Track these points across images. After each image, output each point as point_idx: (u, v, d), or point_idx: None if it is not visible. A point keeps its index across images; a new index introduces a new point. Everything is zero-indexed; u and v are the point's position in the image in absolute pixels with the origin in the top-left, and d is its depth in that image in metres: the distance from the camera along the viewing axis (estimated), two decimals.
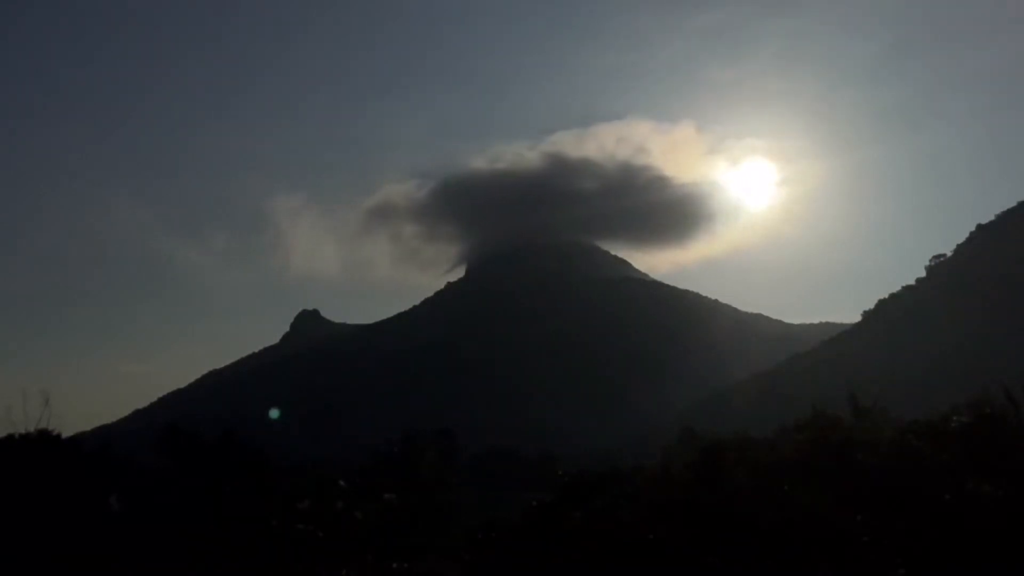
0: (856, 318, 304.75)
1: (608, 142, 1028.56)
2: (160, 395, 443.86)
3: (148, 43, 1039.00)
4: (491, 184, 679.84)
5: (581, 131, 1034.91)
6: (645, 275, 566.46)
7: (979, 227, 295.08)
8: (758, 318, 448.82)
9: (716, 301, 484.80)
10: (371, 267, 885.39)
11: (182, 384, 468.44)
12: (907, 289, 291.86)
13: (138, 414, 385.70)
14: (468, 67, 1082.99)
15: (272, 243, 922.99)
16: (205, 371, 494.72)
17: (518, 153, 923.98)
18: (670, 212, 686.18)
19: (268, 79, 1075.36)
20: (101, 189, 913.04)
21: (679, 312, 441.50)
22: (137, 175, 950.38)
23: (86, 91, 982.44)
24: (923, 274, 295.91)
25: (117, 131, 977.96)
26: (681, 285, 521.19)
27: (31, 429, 51.11)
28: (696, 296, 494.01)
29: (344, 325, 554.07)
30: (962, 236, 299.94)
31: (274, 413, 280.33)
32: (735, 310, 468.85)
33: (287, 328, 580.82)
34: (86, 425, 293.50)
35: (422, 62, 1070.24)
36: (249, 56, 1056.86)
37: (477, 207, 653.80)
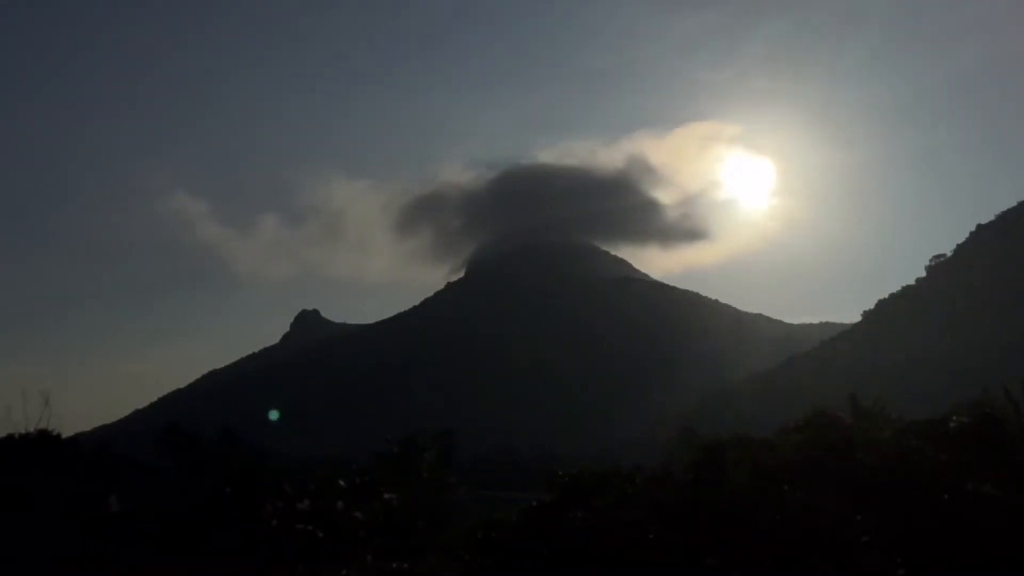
0: (856, 318, 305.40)
1: (607, 144, 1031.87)
2: (160, 395, 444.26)
3: (196, 26, 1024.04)
4: (492, 186, 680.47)
5: (584, 135, 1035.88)
6: (645, 275, 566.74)
7: (979, 227, 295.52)
8: (758, 318, 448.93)
9: (716, 301, 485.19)
10: (406, 262, 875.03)
11: (182, 384, 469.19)
12: (907, 289, 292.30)
13: (138, 414, 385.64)
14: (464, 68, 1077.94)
15: (290, 240, 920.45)
16: (205, 371, 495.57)
17: (518, 155, 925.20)
18: (669, 212, 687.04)
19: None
20: (98, 187, 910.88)
21: (679, 312, 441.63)
22: (137, 169, 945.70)
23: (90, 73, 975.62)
24: (923, 274, 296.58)
25: (127, 122, 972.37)
26: (681, 285, 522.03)
27: (31, 429, 51.14)
28: (696, 296, 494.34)
29: (344, 325, 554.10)
30: (962, 236, 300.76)
31: (273, 415, 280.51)
32: (735, 310, 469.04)
33: (287, 328, 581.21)
34: (86, 425, 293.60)
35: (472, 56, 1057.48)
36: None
37: (479, 208, 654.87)
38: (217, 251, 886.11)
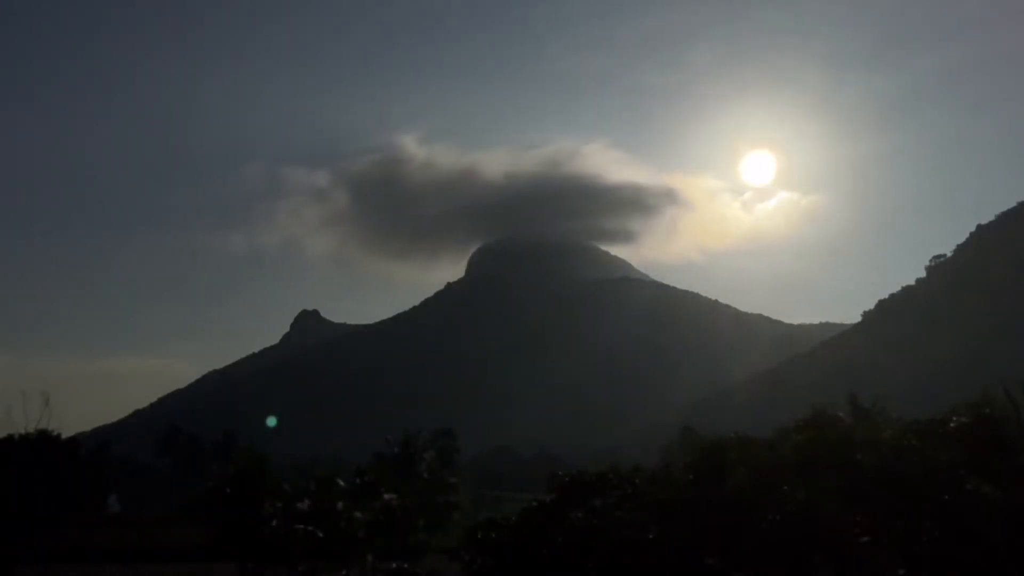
0: (856, 318, 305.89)
1: (606, 144, 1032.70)
2: (160, 395, 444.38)
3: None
4: (492, 186, 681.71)
5: (579, 136, 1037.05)
6: (645, 275, 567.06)
7: (979, 227, 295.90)
8: (758, 318, 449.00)
9: (716, 301, 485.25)
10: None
11: (182, 384, 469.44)
12: (907, 289, 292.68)
13: (138, 414, 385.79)
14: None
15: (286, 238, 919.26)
16: (205, 371, 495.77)
17: (517, 156, 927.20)
18: (667, 213, 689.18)
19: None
20: (98, 187, 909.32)
21: (679, 312, 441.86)
22: (138, 170, 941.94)
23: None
24: (923, 274, 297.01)
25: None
26: (681, 285, 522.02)
27: (31, 429, 51.24)
28: (696, 296, 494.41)
29: (344, 325, 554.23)
30: (962, 236, 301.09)
31: (271, 421, 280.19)
32: (735, 310, 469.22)
33: (287, 328, 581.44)
34: (86, 425, 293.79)
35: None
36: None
37: (479, 207, 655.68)
38: (209, 253, 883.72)
